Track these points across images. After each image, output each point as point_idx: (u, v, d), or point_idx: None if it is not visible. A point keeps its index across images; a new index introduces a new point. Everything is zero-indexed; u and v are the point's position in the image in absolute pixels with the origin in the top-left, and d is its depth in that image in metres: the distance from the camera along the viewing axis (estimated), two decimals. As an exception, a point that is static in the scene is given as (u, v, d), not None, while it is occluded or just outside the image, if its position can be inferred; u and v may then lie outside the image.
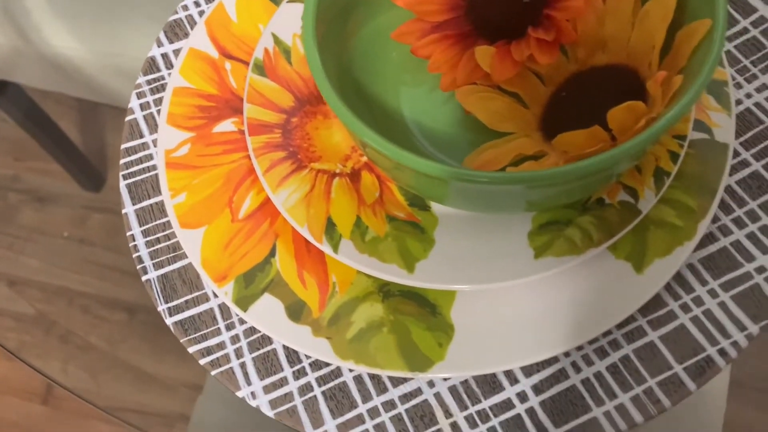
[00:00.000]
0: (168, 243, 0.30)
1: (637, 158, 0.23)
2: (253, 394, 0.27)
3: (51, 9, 0.54)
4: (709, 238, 0.28)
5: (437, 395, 0.27)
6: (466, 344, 0.26)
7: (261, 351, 0.28)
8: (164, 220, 0.31)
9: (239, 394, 0.27)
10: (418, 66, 0.29)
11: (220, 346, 0.28)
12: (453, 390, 0.27)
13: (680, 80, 0.23)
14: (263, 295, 0.28)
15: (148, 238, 0.31)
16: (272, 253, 0.28)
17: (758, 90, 0.31)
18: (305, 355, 0.28)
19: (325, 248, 0.26)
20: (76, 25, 0.54)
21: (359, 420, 0.26)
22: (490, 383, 0.27)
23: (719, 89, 0.29)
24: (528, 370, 0.27)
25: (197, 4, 0.36)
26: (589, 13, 0.27)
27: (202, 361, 0.28)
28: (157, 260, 0.30)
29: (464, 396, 0.26)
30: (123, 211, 0.31)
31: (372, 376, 0.27)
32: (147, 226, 0.31)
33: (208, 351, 0.28)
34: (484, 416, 0.26)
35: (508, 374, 0.27)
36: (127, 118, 0.33)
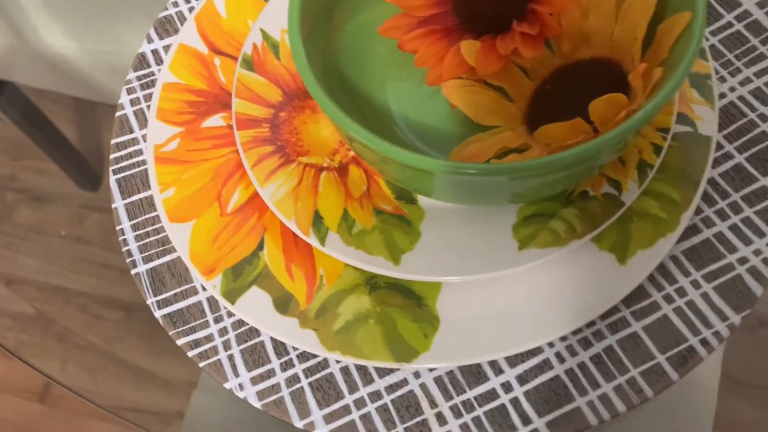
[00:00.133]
0: (157, 237, 0.31)
1: (618, 149, 0.23)
2: (240, 385, 0.27)
3: (46, 8, 0.55)
4: (692, 230, 0.28)
5: (423, 386, 0.27)
6: (451, 335, 0.26)
7: (249, 343, 0.28)
8: (153, 214, 0.31)
9: (227, 385, 0.27)
10: (404, 61, 0.29)
11: (209, 338, 0.28)
12: (438, 380, 0.27)
13: (660, 72, 0.23)
14: (251, 287, 0.28)
15: (137, 232, 0.31)
16: (260, 247, 0.29)
17: (742, 83, 0.31)
18: (292, 347, 0.28)
19: (312, 241, 0.26)
20: (71, 23, 0.54)
21: (345, 410, 0.27)
22: (475, 374, 0.27)
23: (702, 82, 0.29)
24: (512, 361, 0.27)
25: (187, 0, 0.36)
26: (573, 7, 0.27)
27: (191, 353, 0.28)
28: (146, 254, 0.30)
29: (449, 386, 0.27)
30: (113, 206, 0.31)
31: (358, 367, 0.27)
32: (136, 221, 0.31)
33: (197, 343, 0.28)
34: (468, 406, 0.26)
35: (493, 365, 0.27)
36: (117, 114, 0.34)
